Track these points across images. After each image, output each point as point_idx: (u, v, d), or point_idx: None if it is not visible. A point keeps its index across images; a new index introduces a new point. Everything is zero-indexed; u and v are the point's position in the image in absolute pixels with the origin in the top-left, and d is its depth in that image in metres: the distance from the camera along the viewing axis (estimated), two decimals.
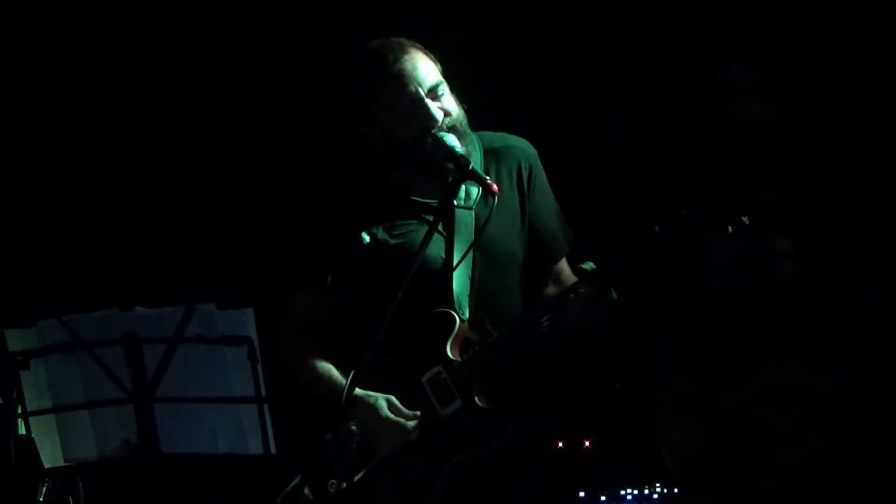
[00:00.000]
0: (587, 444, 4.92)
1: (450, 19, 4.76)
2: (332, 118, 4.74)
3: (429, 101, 3.92)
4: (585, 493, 4.64)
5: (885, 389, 4.26)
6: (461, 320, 3.94)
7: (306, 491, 3.84)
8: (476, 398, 3.89)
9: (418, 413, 3.87)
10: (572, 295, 3.89)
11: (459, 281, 3.98)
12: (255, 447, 3.47)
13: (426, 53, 3.99)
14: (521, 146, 4.10)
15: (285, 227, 4.21)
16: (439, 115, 3.93)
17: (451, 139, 3.90)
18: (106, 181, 5.06)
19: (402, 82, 3.91)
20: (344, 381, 3.81)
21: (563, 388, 4.72)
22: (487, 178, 3.80)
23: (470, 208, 4.01)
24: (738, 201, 3.98)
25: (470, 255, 3.96)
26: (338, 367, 3.96)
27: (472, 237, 3.95)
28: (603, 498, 4.73)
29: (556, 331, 4.00)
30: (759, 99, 4.41)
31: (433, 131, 3.91)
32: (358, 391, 3.85)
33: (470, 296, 3.99)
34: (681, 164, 4.55)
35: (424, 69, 3.94)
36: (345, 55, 4.05)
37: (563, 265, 4.17)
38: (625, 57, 5.02)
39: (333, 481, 3.81)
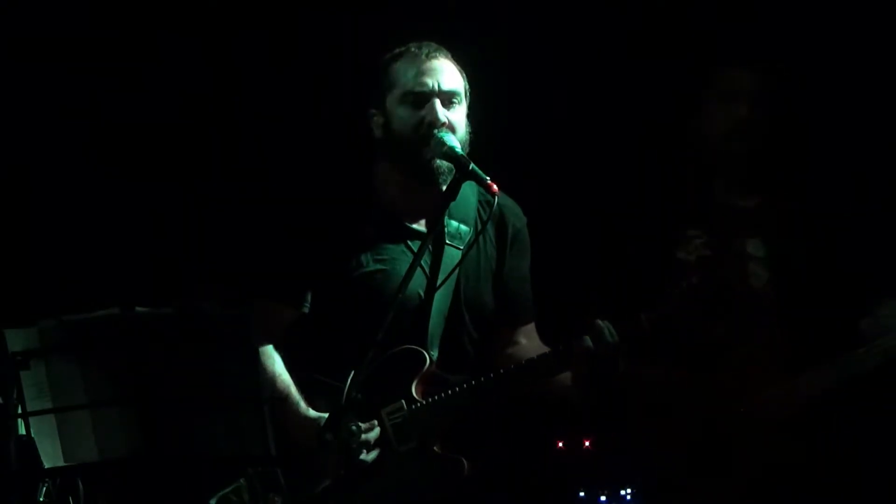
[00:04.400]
0: (587, 444, 4.91)
1: None
2: (335, 117, 4.75)
3: (437, 101, 3.94)
4: (585, 493, 4.64)
5: (849, 399, 4.27)
6: (431, 360, 3.94)
7: (245, 496, 3.85)
8: (434, 445, 3.90)
9: (374, 422, 3.88)
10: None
11: (435, 320, 3.98)
12: (255, 447, 3.47)
13: (457, 65, 4.04)
14: (514, 209, 4.15)
15: (272, 234, 4.22)
16: (444, 118, 3.94)
17: (452, 139, 3.90)
18: (106, 181, 5.06)
19: (423, 73, 3.97)
20: (299, 401, 3.89)
21: (521, 447, 4.75)
22: (487, 178, 3.80)
23: (459, 248, 4.02)
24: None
25: (451, 295, 3.97)
26: (297, 381, 3.98)
27: (455, 275, 3.98)
28: (603, 498, 4.72)
29: (522, 392, 4.01)
30: (755, 104, 4.42)
31: (434, 131, 3.92)
32: (311, 412, 3.89)
33: (443, 336, 3.99)
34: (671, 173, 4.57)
35: (448, 74, 4.00)
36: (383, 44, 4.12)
37: (527, 333, 4.19)
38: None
39: (272, 494, 3.82)
